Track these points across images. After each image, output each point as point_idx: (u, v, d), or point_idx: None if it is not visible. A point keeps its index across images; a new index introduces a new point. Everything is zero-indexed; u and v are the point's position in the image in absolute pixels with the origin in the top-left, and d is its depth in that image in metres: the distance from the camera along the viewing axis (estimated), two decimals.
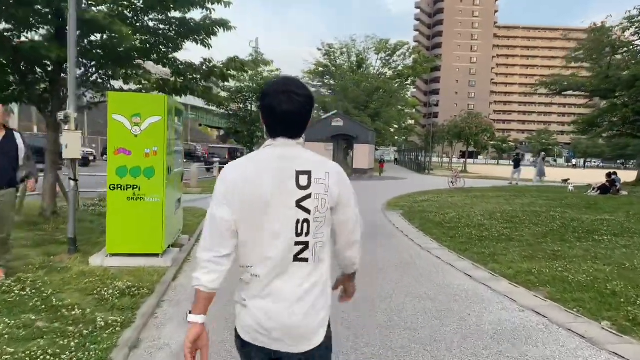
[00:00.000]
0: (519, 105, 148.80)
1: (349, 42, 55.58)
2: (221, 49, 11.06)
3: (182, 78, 10.38)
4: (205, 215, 1.87)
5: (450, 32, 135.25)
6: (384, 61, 57.66)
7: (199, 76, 10.50)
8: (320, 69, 56.35)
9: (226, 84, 25.11)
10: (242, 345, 1.87)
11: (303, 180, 1.80)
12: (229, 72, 10.50)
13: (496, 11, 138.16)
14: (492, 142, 55.48)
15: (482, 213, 13.55)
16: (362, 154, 33.13)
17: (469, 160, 76.18)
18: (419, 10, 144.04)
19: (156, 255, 6.92)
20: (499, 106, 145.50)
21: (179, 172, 8.29)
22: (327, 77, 56.55)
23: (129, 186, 6.76)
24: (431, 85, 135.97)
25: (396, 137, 71.41)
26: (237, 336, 1.89)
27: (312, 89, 56.49)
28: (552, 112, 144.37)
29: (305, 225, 1.79)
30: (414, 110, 70.74)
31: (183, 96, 10.64)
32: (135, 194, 6.77)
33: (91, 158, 34.00)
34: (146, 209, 6.78)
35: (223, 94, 25.21)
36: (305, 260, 1.81)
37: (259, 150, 1.88)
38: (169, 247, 7.43)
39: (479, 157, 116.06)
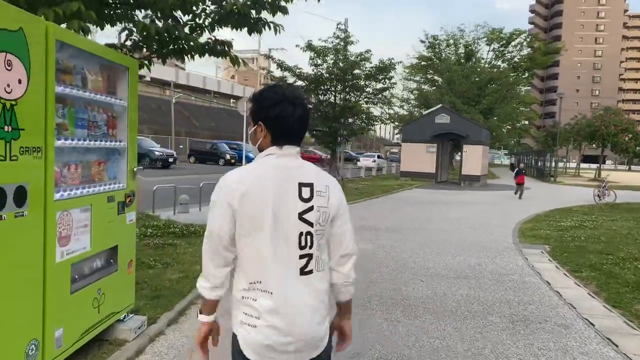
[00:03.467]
0: None
1: (456, 33, 49.61)
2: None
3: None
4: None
5: (571, 24, 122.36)
6: (496, 52, 51.37)
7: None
8: (423, 62, 51.14)
9: (303, 70, 21.21)
10: None
11: (305, 192, 1.82)
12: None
13: None
14: (635, 144, 46.19)
15: None
16: (474, 157, 27.34)
17: (593, 165, 66.53)
18: (534, 1, 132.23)
19: None
20: (628, 105, 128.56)
21: (113, 194, 3.91)
22: (431, 72, 51.23)
23: None
24: (547, 83, 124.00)
25: (508, 139, 63.64)
26: (242, 357, 1.82)
27: (414, 85, 52.09)
28: None
29: (309, 237, 1.81)
30: (529, 109, 62.76)
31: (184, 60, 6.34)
32: None
33: (171, 160, 31.72)
34: None
35: (300, 83, 21.04)
36: (311, 272, 1.84)
37: (260, 159, 1.86)
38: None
39: (606, 161, 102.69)
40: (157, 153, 30.93)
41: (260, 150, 1.89)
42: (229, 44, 6.33)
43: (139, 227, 9.25)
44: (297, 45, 20.26)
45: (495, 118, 44.15)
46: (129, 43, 5.91)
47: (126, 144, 4.09)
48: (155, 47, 5.96)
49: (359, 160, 53.00)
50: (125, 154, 4.12)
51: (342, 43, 20.80)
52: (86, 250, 3.55)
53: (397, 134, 65.15)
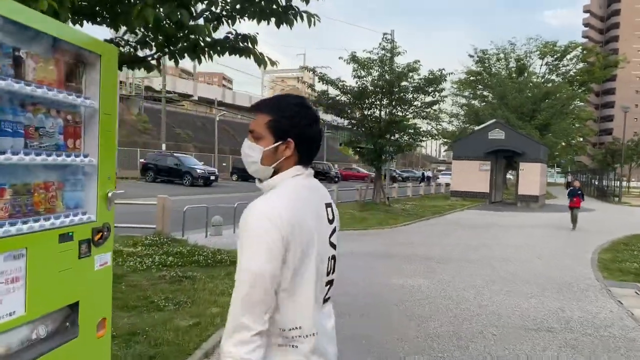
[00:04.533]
0: None
1: (506, 47, 47.54)
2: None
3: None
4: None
5: (629, 36, 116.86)
6: (550, 66, 49.01)
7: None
8: (472, 78, 49.31)
9: (347, 83, 19.96)
10: None
11: (330, 213, 1.71)
12: None
13: None
14: None
15: None
16: (532, 175, 25.30)
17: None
18: (588, 15, 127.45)
19: None
20: None
21: (71, 230, 2.77)
22: (480, 87, 49.37)
23: None
24: (603, 98, 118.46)
25: (566, 156, 60.36)
26: None
27: (462, 100, 50.18)
28: None
29: (333, 262, 1.70)
30: (584, 125, 59.46)
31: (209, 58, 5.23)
32: None
33: (212, 177, 31.15)
34: None
35: (343, 98, 19.76)
36: (329, 299, 1.72)
37: (288, 181, 1.63)
38: None
39: None
40: (198, 171, 30.43)
41: (275, 171, 1.64)
42: (253, 40, 5.20)
43: (159, 254, 8.22)
44: (340, 58, 19.15)
45: (550, 134, 41.63)
46: (131, 38, 4.86)
47: (96, 160, 2.96)
48: (162, 41, 4.88)
49: (437, 177, 51.58)
50: (94, 174, 2.98)
51: (388, 54, 19.49)
52: (16, 316, 2.41)
53: (445, 150, 63.04)
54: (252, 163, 1.64)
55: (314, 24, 5.09)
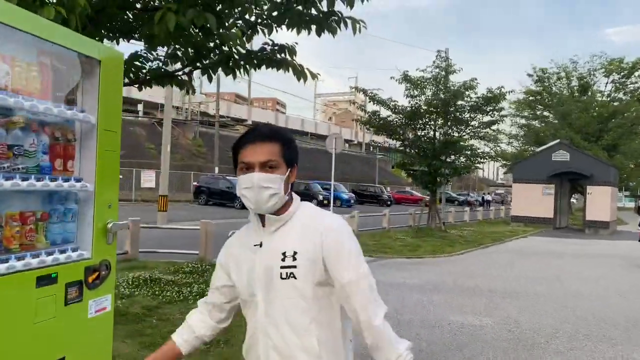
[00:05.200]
0: None
1: (567, 65, 45.34)
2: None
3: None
4: None
5: None
6: (617, 84, 46.25)
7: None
8: (531, 97, 47.30)
9: (399, 103, 19.23)
10: None
11: None
12: None
13: None
14: None
15: None
16: (601, 200, 23.49)
17: None
18: None
19: None
20: None
21: (54, 270, 2.27)
22: (540, 107, 47.28)
23: None
24: None
25: (634, 178, 56.60)
26: None
27: (522, 121, 48.16)
28: None
29: None
30: None
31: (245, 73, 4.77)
32: None
33: None
34: None
35: (394, 117, 19.00)
36: None
37: (301, 203, 1.74)
38: None
39: None
40: None
41: (286, 197, 1.68)
42: (291, 50, 4.69)
43: (199, 283, 7.76)
44: (391, 77, 18.54)
45: (619, 155, 39.02)
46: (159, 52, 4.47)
47: (92, 186, 2.47)
48: (193, 55, 4.45)
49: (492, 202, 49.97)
50: (90, 202, 2.49)
51: (442, 72, 18.69)
52: None
53: (504, 173, 60.65)
54: (273, 195, 1.60)
55: (359, 31, 4.52)
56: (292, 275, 1.58)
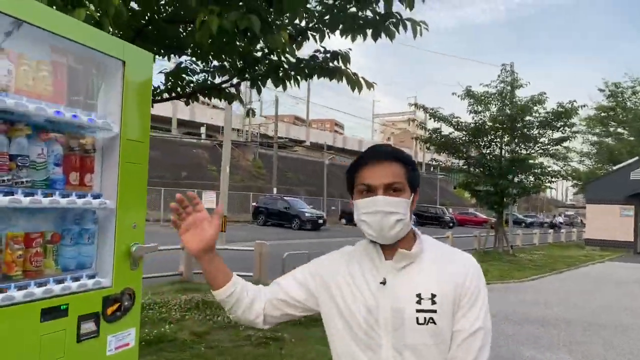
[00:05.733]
0: None
1: None
2: None
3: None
4: None
5: None
6: None
7: None
8: (603, 113, 44.68)
9: (462, 120, 18.39)
10: None
11: None
12: None
13: None
14: None
15: None
16: None
17: None
18: None
19: None
20: None
21: (64, 302, 1.96)
22: (613, 124, 44.60)
23: None
24: None
25: None
26: None
27: (594, 138, 45.56)
28: None
29: None
30: None
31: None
32: None
33: (320, 221, 30.68)
34: None
35: (457, 134, 18.12)
36: None
37: (426, 237, 1.60)
38: None
39: None
40: (307, 214, 30.29)
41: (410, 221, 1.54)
42: (345, 57, 4.32)
43: None
44: (453, 94, 17.81)
45: None
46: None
47: (114, 203, 2.16)
48: (241, 66, 4.17)
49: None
50: (111, 222, 2.18)
51: (508, 87, 17.75)
52: None
53: (575, 193, 57.44)
54: (399, 222, 1.45)
55: (420, 34, 4.08)
56: (431, 320, 1.42)
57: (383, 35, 4.15)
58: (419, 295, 1.43)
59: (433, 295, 1.43)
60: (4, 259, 1.81)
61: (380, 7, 4.09)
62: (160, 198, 29.02)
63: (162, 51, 4.85)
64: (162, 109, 40.13)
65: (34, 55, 1.91)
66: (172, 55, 5.05)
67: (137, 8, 4.18)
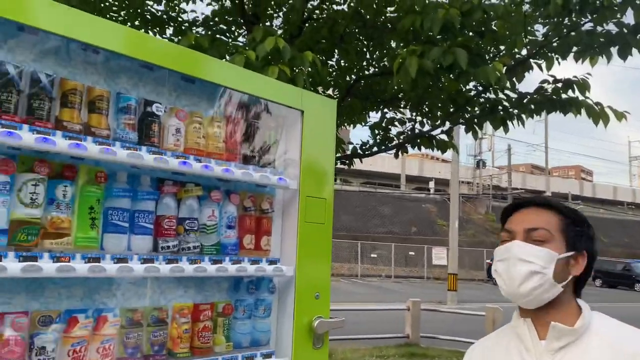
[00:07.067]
0: None
1: None
2: None
3: None
4: None
5: None
6: None
7: None
8: None
9: None
10: None
11: None
12: None
13: None
14: None
15: None
16: None
17: None
18: None
19: None
20: None
21: None
22: None
23: None
24: None
25: None
26: None
27: None
28: None
29: None
30: None
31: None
32: None
33: None
34: None
35: None
36: None
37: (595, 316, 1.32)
38: None
39: None
40: None
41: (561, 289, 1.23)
42: (582, 86, 3.49)
43: None
44: None
45: None
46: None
47: (292, 269, 1.89)
48: (453, 109, 3.71)
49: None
50: (290, 292, 1.91)
51: None
52: None
53: None
54: (533, 274, 1.19)
55: None
56: None
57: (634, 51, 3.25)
58: None
59: None
60: (169, 334, 1.66)
61: (628, 18, 3.22)
62: (391, 254, 29.36)
63: (374, 106, 4.73)
64: (391, 166, 41.49)
65: (205, 111, 1.81)
66: (384, 110, 4.91)
67: (343, 64, 4.13)
